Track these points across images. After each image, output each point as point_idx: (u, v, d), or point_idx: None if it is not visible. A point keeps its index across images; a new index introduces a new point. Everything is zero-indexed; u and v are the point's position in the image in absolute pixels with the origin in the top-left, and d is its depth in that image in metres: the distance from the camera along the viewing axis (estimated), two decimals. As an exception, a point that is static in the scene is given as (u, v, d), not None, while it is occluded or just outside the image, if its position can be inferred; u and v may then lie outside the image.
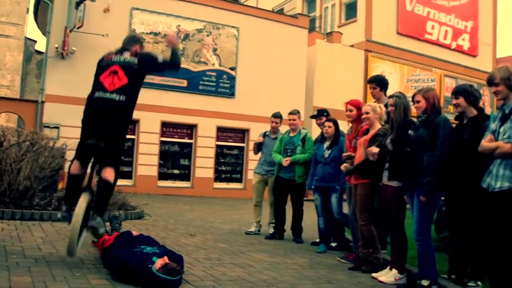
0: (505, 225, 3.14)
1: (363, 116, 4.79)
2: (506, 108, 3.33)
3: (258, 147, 6.90)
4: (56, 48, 13.32)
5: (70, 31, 13.26)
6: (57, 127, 13.01)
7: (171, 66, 4.15)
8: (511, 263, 3.14)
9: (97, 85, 3.89)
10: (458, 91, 4.02)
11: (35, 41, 21.50)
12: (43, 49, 14.18)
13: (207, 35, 15.67)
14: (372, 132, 4.67)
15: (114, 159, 3.93)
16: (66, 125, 12.77)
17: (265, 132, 6.95)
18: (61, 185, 8.71)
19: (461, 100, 3.97)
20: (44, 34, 15.00)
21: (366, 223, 4.62)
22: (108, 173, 3.81)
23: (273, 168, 6.49)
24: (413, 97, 4.20)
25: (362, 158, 4.64)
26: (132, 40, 4.23)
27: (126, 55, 3.98)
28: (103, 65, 3.98)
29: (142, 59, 4.01)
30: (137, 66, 3.95)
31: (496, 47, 23.46)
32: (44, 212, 6.10)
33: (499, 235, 3.16)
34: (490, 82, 3.40)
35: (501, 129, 3.29)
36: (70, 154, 8.19)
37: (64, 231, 5.39)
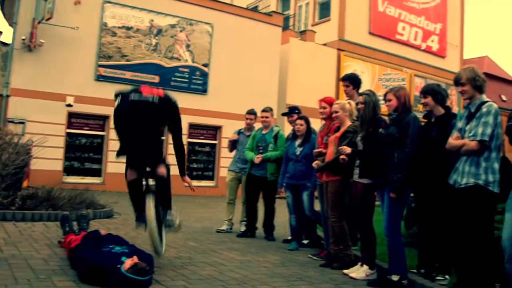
0: (470, 220, 3.23)
1: (333, 115, 4.84)
2: (471, 107, 3.43)
3: (233, 145, 6.86)
4: (23, 40, 12.84)
5: (39, 22, 12.81)
6: (23, 122, 12.53)
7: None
8: (476, 258, 3.23)
9: (131, 90, 3.97)
10: (426, 91, 4.10)
11: (1, 32, 20.67)
12: (9, 41, 13.64)
13: (181, 31, 15.48)
14: (342, 129, 4.71)
15: (159, 158, 4.09)
16: (32, 120, 12.39)
17: (240, 130, 6.92)
18: (26, 183, 8.39)
19: (429, 99, 4.05)
20: (10, 25, 14.46)
21: (337, 220, 4.66)
22: (161, 169, 4.01)
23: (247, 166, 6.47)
24: (384, 95, 4.24)
25: (333, 155, 4.67)
26: None
27: None
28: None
29: None
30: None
31: (463, 49, 24.17)
32: (7, 211, 5.86)
33: (464, 231, 3.25)
34: (457, 82, 3.49)
35: (467, 127, 3.39)
36: (35, 151, 7.95)
37: (28, 231, 5.21)
